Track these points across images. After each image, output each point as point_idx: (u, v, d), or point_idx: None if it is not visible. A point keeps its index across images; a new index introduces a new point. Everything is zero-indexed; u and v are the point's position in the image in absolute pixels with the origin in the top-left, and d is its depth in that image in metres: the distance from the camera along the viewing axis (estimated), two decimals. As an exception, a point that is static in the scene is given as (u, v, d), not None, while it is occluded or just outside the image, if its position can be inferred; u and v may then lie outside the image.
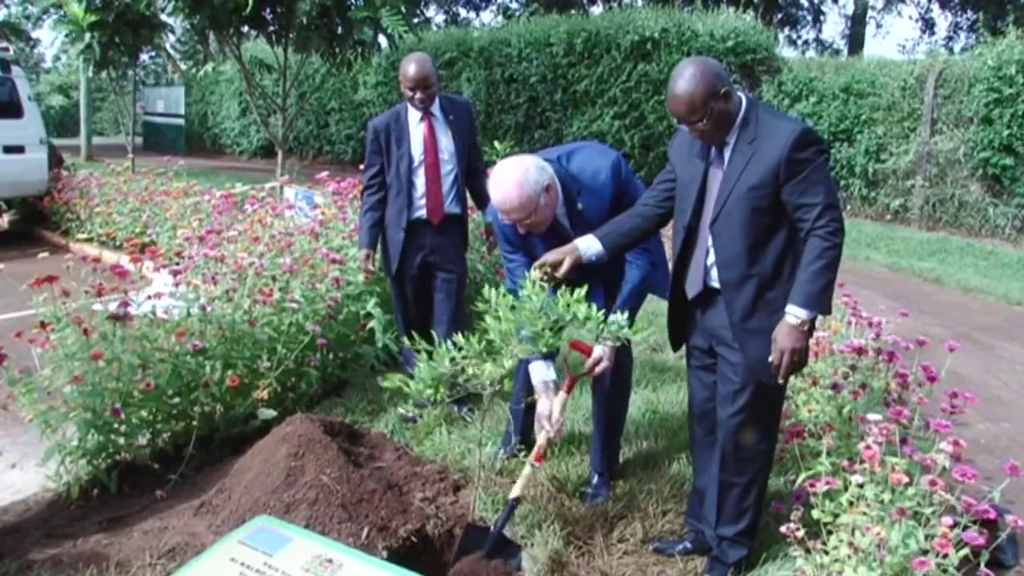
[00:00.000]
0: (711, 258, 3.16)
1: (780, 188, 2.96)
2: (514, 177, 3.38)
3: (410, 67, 4.50)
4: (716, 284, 3.17)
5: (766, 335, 3.02)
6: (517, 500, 3.40)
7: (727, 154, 3.08)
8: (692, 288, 3.25)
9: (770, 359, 2.99)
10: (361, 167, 4.93)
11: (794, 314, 2.92)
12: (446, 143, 4.66)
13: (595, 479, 4.03)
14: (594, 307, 3.00)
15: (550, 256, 3.27)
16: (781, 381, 3.02)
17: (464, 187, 4.83)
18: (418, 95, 4.52)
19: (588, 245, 3.31)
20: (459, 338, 2.93)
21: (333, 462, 3.69)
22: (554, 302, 2.99)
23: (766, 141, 2.98)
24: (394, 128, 4.65)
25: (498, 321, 2.93)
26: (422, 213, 4.67)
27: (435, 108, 4.66)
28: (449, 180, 4.70)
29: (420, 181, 4.64)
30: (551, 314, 2.96)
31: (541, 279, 3.11)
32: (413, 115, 4.65)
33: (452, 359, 2.94)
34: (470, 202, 5.06)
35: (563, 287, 3.11)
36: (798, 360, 2.97)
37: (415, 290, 4.83)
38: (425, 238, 4.71)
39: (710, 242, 3.15)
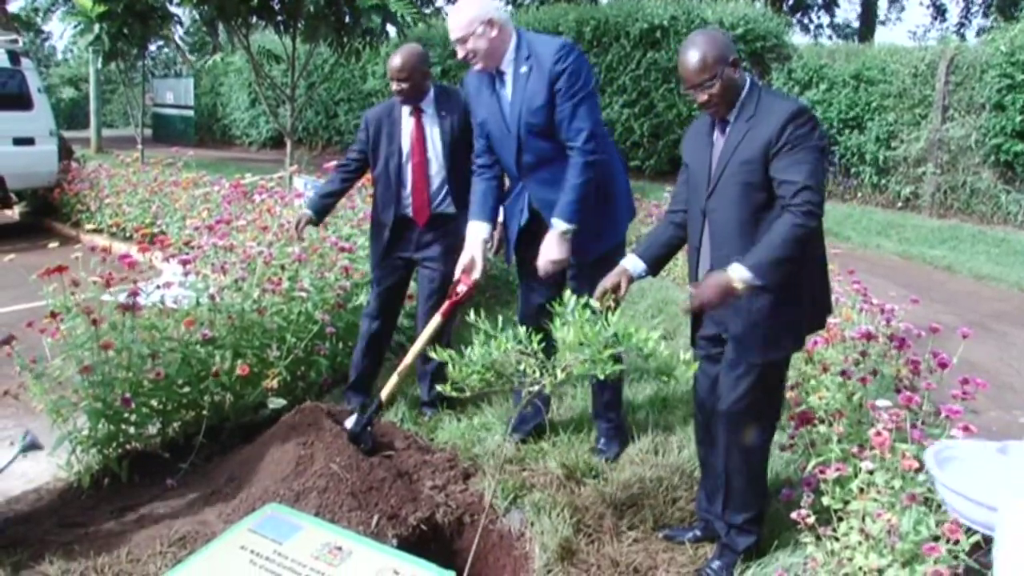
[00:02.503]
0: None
1: (769, 162, 2.96)
2: None
3: (393, 58, 4.37)
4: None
5: (752, 315, 3.06)
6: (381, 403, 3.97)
7: (728, 130, 3.11)
8: (703, 272, 3.22)
9: (685, 298, 3.04)
10: None
11: (737, 272, 2.87)
12: (435, 139, 4.46)
13: (602, 436, 4.20)
14: (660, 343, 2.84)
15: (607, 282, 3.26)
16: (681, 312, 3.08)
17: (461, 186, 4.46)
18: (394, 86, 4.38)
19: (634, 264, 3.34)
20: (520, 330, 2.88)
21: (343, 451, 3.70)
22: (625, 333, 2.81)
23: (763, 117, 3.00)
24: (386, 122, 4.52)
25: (567, 329, 2.77)
26: (409, 211, 4.53)
27: (427, 102, 4.45)
28: (439, 179, 4.48)
29: (408, 179, 4.48)
30: (622, 345, 2.80)
31: (601, 305, 3.04)
32: (406, 108, 4.50)
33: (506, 349, 2.83)
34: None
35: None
36: (705, 307, 2.99)
37: (391, 285, 4.66)
38: (411, 235, 4.56)
39: (707, 216, 3.18)
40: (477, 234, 4.04)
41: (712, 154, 3.16)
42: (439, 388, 2.88)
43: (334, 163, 5.11)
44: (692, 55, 3.00)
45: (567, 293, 2.89)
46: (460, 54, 3.81)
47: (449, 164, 4.46)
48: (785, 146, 2.92)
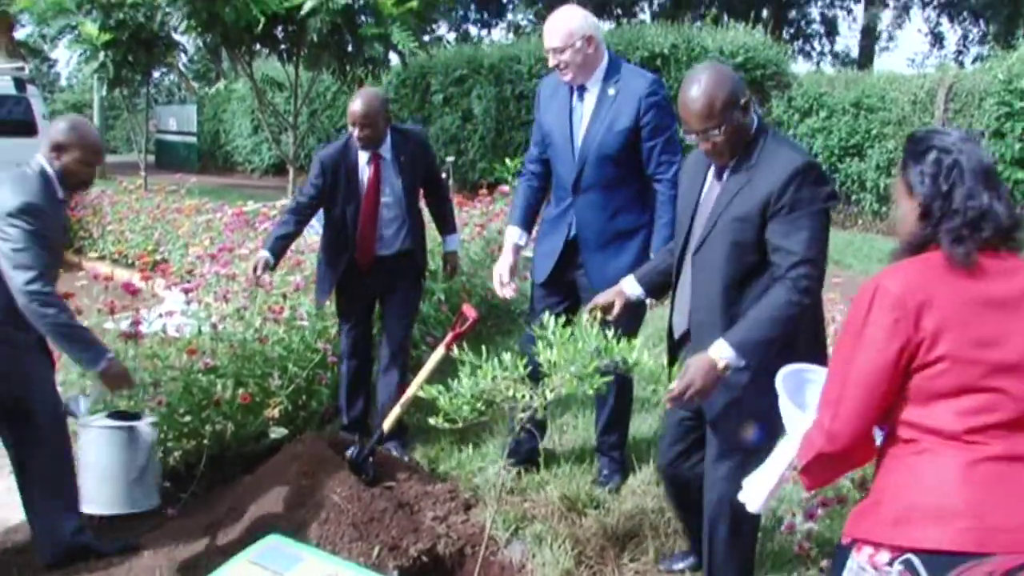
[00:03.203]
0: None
1: (766, 224, 2.64)
2: (568, 7, 3.88)
3: (355, 103, 4.27)
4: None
5: (732, 391, 2.72)
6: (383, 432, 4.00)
7: (725, 177, 2.80)
8: (679, 325, 3.01)
9: (672, 385, 2.66)
10: None
11: (719, 351, 2.59)
12: (394, 183, 4.44)
13: (604, 467, 4.18)
14: (645, 354, 2.80)
15: (600, 299, 3.14)
16: (668, 406, 2.73)
17: (417, 221, 4.58)
18: (357, 132, 4.28)
19: (632, 287, 3.17)
20: (505, 357, 2.87)
21: (344, 481, 3.70)
22: (606, 345, 2.80)
23: (764, 168, 2.66)
24: (343, 166, 4.39)
25: (550, 350, 2.77)
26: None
27: (385, 148, 4.39)
28: (397, 222, 4.48)
29: (357, 221, 4.43)
30: (605, 357, 2.78)
31: (593, 320, 2.95)
32: (363, 155, 4.41)
33: (494, 377, 2.81)
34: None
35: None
36: (695, 400, 2.65)
37: (357, 322, 4.64)
38: (368, 275, 4.52)
39: (691, 274, 2.89)
40: (512, 239, 4.13)
41: (701, 200, 2.87)
42: (432, 421, 2.87)
43: (283, 201, 5.10)
44: (697, 98, 2.66)
45: (545, 315, 2.87)
46: (552, 62, 3.83)
47: (407, 204, 4.48)
48: (784, 207, 2.60)
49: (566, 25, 3.76)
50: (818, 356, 2.71)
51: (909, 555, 1.84)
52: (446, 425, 2.79)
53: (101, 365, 3.27)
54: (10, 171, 3.37)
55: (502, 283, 4.09)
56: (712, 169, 2.85)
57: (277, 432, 4.41)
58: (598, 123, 3.82)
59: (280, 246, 4.48)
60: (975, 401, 1.86)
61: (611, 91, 3.81)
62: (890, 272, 1.97)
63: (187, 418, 4.25)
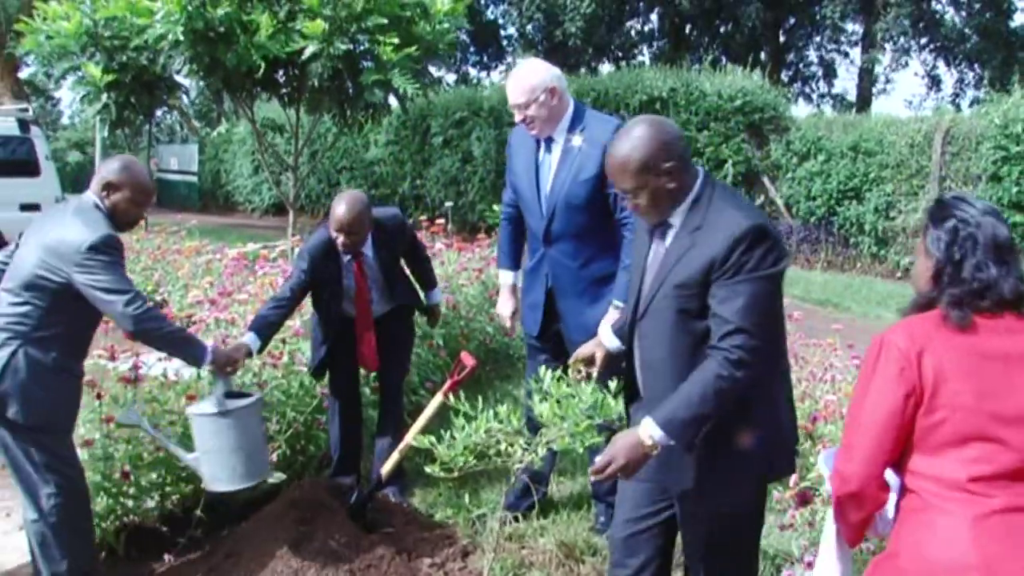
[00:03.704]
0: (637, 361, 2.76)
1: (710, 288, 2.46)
2: (528, 63, 3.95)
3: (340, 208, 4.11)
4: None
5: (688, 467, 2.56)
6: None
7: (669, 239, 2.61)
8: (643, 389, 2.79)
9: (597, 459, 2.52)
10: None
11: (648, 430, 2.42)
12: (376, 271, 4.43)
13: (602, 514, 4.12)
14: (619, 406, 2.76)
15: (582, 352, 3.04)
16: (592, 479, 2.56)
17: (401, 280, 4.62)
18: (341, 239, 4.15)
19: (610, 339, 3.03)
20: (501, 409, 2.86)
21: (342, 527, 3.69)
22: (601, 401, 2.74)
23: (708, 231, 2.47)
24: (332, 262, 4.30)
25: (545, 403, 2.73)
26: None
27: (367, 246, 4.35)
28: (380, 293, 4.47)
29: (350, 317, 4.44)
30: (597, 416, 2.73)
31: (574, 374, 2.92)
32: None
33: (487, 430, 2.80)
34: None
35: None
36: (619, 476, 2.48)
37: (349, 394, 4.64)
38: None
39: (637, 341, 2.73)
40: (507, 281, 4.37)
41: (648, 263, 2.68)
42: (428, 469, 2.87)
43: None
44: (614, 158, 2.54)
45: (542, 369, 2.88)
46: (518, 117, 3.86)
47: (390, 280, 4.50)
48: (727, 273, 2.41)
49: (528, 80, 3.78)
50: (773, 423, 2.63)
51: None
52: (442, 474, 2.80)
53: (208, 357, 3.55)
54: (66, 205, 3.58)
55: (508, 324, 4.41)
56: (656, 232, 2.66)
57: (275, 477, 4.39)
58: (564, 173, 3.84)
59: (268, 335, 4.18)
60: (978, 451, 2.00)
61: (576, 141, 3.83)
62: (896, 328, 2.13)
63: (185, 463, 4.24)
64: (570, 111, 3.88)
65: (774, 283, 2.47)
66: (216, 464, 3.60)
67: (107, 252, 3.26)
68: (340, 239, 4.16)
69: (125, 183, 3.41)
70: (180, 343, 3.54)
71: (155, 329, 3.40)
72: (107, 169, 3.47)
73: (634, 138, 2.50)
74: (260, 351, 4.16)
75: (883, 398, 2.06)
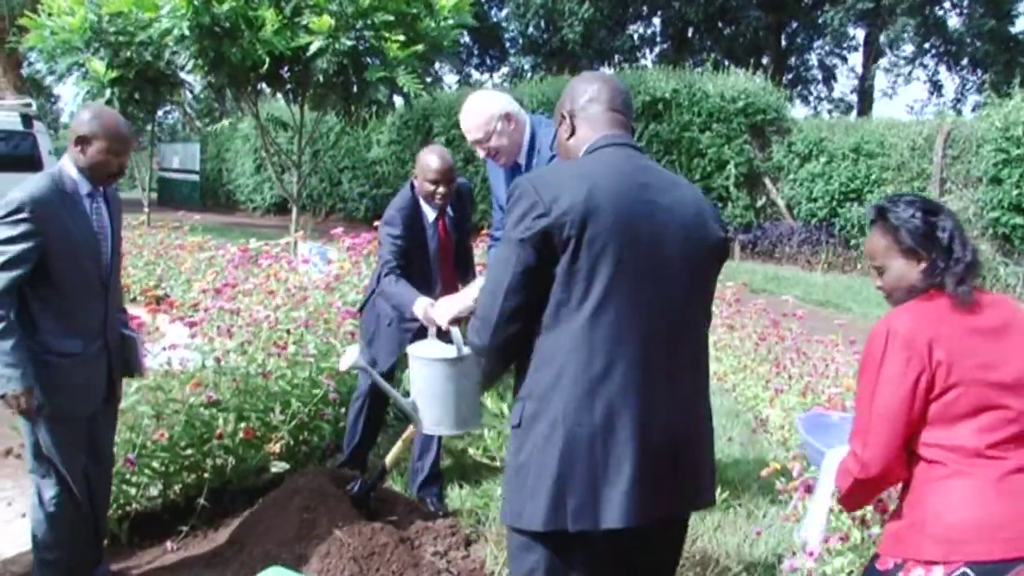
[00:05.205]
0: None
1: None
2: (477, 96, 3.72)
3: (431, 159, 4.11)
4: None
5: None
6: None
7: None
8: None
9: None
10: (376, 223, 4.66)
11: None
12: (454, 241, 4.42)
13: None
14: None
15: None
16: None
17: (467, 254, 4.64)
18: (440, 189, 4.13)
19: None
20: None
21: (345, 515, 3.69)
22: None
23: None
24: (417, 226, 4.25)
25: None
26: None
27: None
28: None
29: (436, 281, 4.31)
30: None
31: None
32: (428, 212, 4.29)
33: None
34: None
35: None
36: None
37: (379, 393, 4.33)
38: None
39: None
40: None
41: None
42: (471, 451, 2.87)
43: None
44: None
45: None
46: (482, 154, 3.75)
47: (464, 244, 4.56)
48: None
49: (481, 115, 3.62)
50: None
51: (964, 568, 2.07)
52: (485, 460, 2.81)
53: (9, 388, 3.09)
54: None
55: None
56: None
57: (278, 467, 4.41)
58: None
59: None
60: (991, 418, 2.15)
61: (535, 163, 3.71)
62: (896, 315, 2.24)
63: (189, 451, 4.24)
64: (528, 131, 3.71)
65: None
66: (442, 408, 3.49)
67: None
68: (439, 190, 4.13)
69: (99, 133, 3.18)
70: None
71: None
72: (77, 122, 3.24)
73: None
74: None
75: (895, 386, 2.16)
